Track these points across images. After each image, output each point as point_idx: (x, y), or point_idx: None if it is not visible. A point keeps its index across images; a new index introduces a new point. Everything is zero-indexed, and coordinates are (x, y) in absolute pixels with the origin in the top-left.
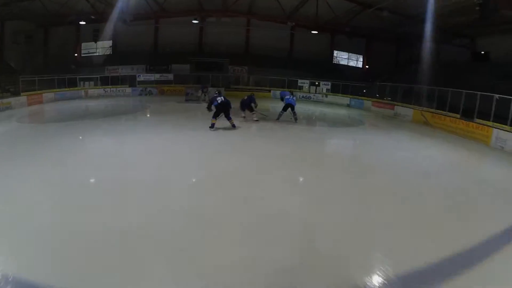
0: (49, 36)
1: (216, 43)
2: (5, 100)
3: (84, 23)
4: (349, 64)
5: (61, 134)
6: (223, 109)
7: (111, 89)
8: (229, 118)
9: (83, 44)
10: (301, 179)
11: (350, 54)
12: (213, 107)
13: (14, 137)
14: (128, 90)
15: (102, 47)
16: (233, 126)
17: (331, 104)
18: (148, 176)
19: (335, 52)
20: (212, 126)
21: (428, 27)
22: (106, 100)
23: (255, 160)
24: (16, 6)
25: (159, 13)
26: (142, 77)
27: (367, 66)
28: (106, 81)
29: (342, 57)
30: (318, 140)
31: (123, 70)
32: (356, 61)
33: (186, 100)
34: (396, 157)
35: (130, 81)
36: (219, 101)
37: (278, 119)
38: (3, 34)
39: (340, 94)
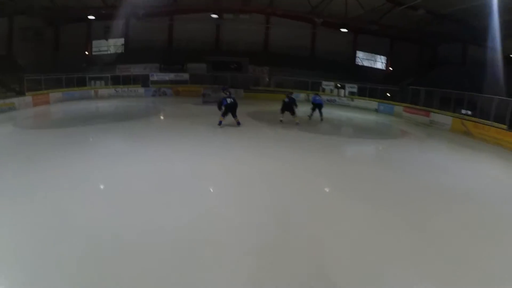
0: (59, 33)
1: (233, 41)
2: (7, 101)
3: (93, 18)
4: (371, 66)
5: (61, 146)
6: (231, 109)
7: (123, 89)
8: (234, 116)
9: (94, 42)
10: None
11: (373, 55)
12: (222, 107)
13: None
14: (141, 90)
15: (113, 45)
16: (238, 124)
17: (358, 108)
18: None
19: (358, 53)
20: (220, 123)
21: (493, 24)
22: (117, 100)
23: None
24: (23, 0)
25: (173, 8)
26: (156, 76)
27: (390, 68)
28: (117, 81)
29: (364, 58)
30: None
31: (135, 69)
32: (375, 62)
33: (204, 102)
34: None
35: (143, 80)
36: (228, 102)
37: (310, 118)
38: (11, 30)
39: (367, 98)
